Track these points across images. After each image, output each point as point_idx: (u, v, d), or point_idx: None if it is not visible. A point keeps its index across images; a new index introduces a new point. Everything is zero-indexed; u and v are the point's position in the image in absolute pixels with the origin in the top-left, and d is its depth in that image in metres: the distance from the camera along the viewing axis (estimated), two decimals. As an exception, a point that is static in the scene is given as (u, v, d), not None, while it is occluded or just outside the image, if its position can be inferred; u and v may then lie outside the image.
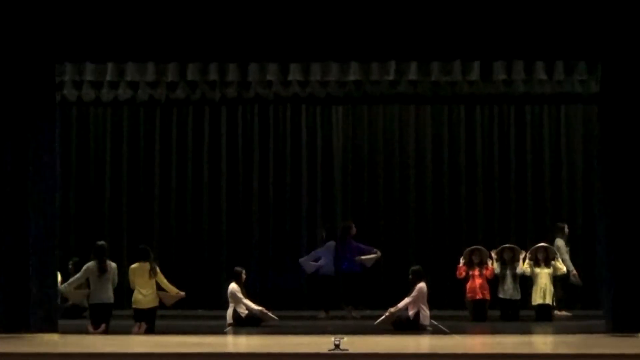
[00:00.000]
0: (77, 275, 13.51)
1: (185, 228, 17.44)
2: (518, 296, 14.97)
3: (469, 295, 14.92)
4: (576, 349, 10.92)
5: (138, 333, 12.75)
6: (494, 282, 14.99)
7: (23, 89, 12.53)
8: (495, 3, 13.06)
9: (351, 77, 14.67)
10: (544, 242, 15.22)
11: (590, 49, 12.76)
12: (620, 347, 11.00)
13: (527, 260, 14.98)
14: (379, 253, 15.52)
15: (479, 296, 14.82)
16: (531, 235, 16.55)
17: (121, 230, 17.34)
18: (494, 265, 14.96)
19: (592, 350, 10.55)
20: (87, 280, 13.31)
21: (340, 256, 15.51)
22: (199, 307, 16.31)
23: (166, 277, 13.39)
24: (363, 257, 15.45)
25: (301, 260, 15.90)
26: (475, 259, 14.99)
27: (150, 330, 12.89)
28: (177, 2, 13.18)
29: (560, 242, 15.61)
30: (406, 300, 13.48)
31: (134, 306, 13.14)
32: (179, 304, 13.75)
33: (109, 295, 13.14)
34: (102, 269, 13.15)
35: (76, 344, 11.81)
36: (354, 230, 15.68)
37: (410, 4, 13.12)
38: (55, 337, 12.14)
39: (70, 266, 15.40)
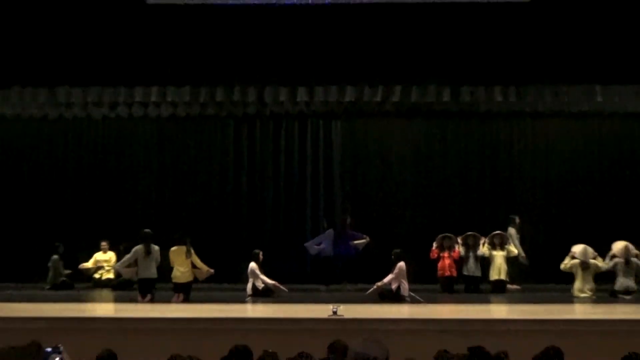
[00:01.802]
0: (128, 255, 13.57)
1: (215, 219, 17.22)
2: (479, 273, 14.95)
3: (439, 272, 14.88)
4: (527, 315, 11.02)
5: (177, 302, 12.84)
6: (460, 262, 15.00)
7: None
8: (465, 30, 13.15)
9: (347, 98, 14.72)
10: (499, 230, 15.30)
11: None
12: (560, 313, 11.09)
13: (486, 245, 15.00)
14: (368, 238, 15.44)
15: (447, 273, 14.80)
16: (489, 224, 16.41)
17: (163, 220, 17.22)
18: (460, 249, 14.98)
19: (537, 317, 10.66)
20: (136, 260, 13.41)
21: (338, 241, 15.53)
22: (225, 282, 16.24)
23: (199, 257, 13.45)
24: (356, 242, 15.45)
25: (306, 244, 15.89)
26: (446, 244, 14.95)
27: (186, 300, 12.96)
28: (210, 39, 13.37)
29: (512, 230, 15.61)
30: (390, 276, 13.51)
31: (173, 281, 13.20)
32: (210, 279, 13.76)
33: (153, 272, 13.22)
34: (148, 251, 13.24)
35: (128, 310, 11.93)
36: (349, 221, 15.72)
37: (394, 42, 13.28)
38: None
39: (121, 249, 15.43)
